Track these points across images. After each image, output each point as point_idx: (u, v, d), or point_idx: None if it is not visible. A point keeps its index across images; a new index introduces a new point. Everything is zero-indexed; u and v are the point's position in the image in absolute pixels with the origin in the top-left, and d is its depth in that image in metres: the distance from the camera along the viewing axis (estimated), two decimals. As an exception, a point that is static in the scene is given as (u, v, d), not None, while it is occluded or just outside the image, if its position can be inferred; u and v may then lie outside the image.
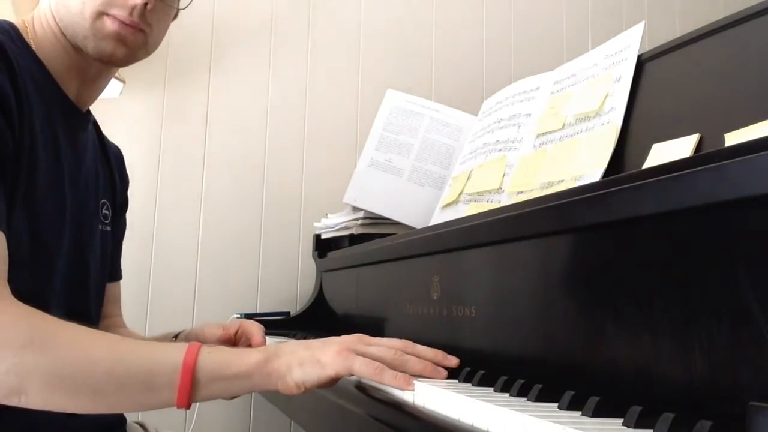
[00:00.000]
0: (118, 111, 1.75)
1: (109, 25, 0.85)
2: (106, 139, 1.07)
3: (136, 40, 0.87)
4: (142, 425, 1.07)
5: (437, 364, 0.77)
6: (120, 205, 1.08)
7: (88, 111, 0.97)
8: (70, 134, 0.90)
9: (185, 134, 1.87)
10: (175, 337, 1.01)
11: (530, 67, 1.48)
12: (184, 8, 0.97)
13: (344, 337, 0.76)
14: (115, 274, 1.11)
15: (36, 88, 0.83)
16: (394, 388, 0.72)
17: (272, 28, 1.97)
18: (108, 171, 1.04)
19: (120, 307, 1.12)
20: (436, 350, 0.79)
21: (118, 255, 1.12)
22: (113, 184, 1.05)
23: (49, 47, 0.87)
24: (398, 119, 1.54)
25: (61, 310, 0.83)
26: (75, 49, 0.88)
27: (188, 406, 0.69)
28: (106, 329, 0.99)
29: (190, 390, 0.68)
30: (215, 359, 0.70)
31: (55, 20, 0.87)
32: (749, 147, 0.49)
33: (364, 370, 0.71)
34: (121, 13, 0.85)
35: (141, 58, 0.93)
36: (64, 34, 0.87)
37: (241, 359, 0.71)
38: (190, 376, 0.68)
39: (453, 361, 0.79)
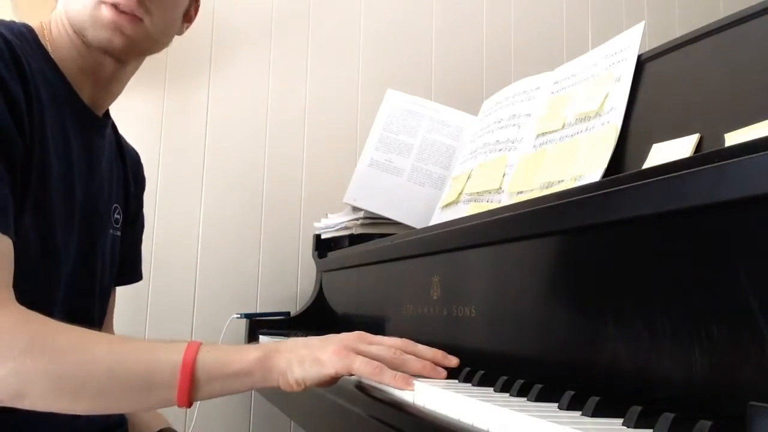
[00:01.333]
0: (118, 110, 1.75)
1: (105, 13, 0.83)
2: (125, 142, 1.07)
3: (133, 29, 0.84)
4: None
5: (437, 364, 0.77)
6: (133, 209, 1.08)
7: (107, 115, 0.96)
8: (83, 138, 0.89)
9: (185, 134, 1.86)
10: None
11: (530, 67, 1.48)
12: None
13: (344, 335, 0.76)
14: (136, 275, 1.12)
15: (48, 91, 0.82)
16: (394, 388, 0.72)
17: (272, 28, 1.97)
18: (122, 175, 1.03)
19: (112, 316, 1.11)
20: (436, 350, 0.79)
21: (136, 256, 1.13)
22: (126, 189, 1.05)
23: (64, 49, 0.87)
24: (398, 119, 1.54)
25: (64, 312, 0.83)
26: (86, 46, 0.86)
27: (189, 405, 0.69)
28: None
29: (190, 389, 0.69)
30: (215, 357, 0.70)
31: (66, 17, 0.86)
32: (749, 147, 0.49)
33: (363, 369, 0.71)
34: (117, 0, 0.82)
35: (148, 50, 0.91)
36: (75, 32, 0.86)
37: (241, 357, 0.71)
38: (190, 375, 0.68)
39: (453, 361, 0.79)
